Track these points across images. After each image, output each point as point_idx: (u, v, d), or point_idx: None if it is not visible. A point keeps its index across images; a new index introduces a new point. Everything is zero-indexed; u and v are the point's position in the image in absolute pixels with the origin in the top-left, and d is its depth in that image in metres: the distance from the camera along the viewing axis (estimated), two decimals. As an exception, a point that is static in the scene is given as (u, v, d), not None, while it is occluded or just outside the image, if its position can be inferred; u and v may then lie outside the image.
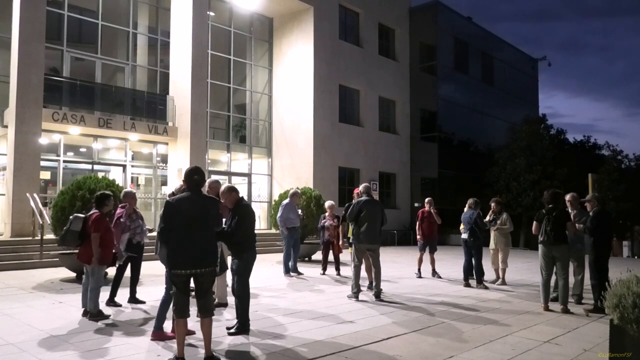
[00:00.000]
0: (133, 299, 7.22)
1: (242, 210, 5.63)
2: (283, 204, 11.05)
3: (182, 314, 4.49)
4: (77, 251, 10.06)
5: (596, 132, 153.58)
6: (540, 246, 7.27)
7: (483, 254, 9.48)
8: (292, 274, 10.56)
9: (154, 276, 9.35)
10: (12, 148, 13.62)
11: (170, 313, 5.46)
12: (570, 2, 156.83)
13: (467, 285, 9.35)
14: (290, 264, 10.71)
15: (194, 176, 4.63)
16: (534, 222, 7.33)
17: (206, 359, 4.47)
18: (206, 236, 4.53)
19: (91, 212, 6.39)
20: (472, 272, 9.45)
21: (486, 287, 9.22)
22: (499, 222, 9.78)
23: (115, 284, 7.19)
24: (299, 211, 11.30)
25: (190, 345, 4.94)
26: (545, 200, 7.37)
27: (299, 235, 11.41)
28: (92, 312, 6.17)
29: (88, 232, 6.24)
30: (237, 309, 5.73)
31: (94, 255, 6.20)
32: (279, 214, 10.94)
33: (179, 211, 4.48)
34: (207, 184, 6.39)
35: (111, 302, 7.01)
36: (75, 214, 6.58)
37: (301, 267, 11.25)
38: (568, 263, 7.34)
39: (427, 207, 10.78)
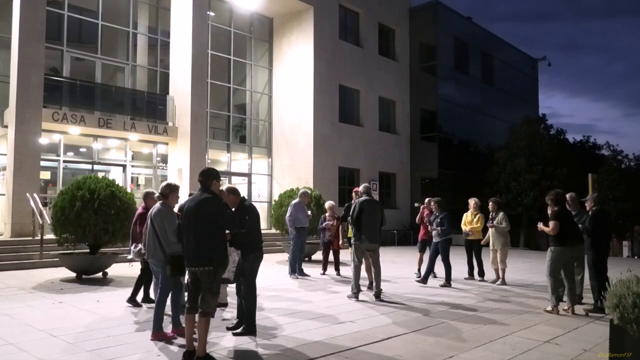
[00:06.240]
0: (147, 299, 7.24)
1: (252, 211, 5.68)
2: (292, 203, 10.83)
3: (189, 310, 4.64)
4: (74, 251, 10.20)
5: (596, 132, 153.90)
6: (561, 248, 6.90)
7: (483, 253, 10.40)
8: (297, 275, 10.39)
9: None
10: (12, 148, 13.61)
11: (167, 312, 5.48)
12: (569, 2, 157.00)
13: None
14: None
15: (198, 178, 4.80)
16: (553, 221, 6.90)
17: (196, 359, 4.42)
18: (199, 235, 4.53)
19: None
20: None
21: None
22: (495, 221, 9.85)
23: (139, 284, 7.24)
24: (308, 212, 11.09)
25: (183, 346, 4.87)
26: (552, 200, 7.13)
27: (306, 236, 11.24)
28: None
29: None
30: (238, 309, 5.74)
31: None
32: (288, 214, 10.70)
33: (182, 211, 4.75)
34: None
35: (132, 301, 7.10)
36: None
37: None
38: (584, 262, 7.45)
39: (426, 207, 10.71)
